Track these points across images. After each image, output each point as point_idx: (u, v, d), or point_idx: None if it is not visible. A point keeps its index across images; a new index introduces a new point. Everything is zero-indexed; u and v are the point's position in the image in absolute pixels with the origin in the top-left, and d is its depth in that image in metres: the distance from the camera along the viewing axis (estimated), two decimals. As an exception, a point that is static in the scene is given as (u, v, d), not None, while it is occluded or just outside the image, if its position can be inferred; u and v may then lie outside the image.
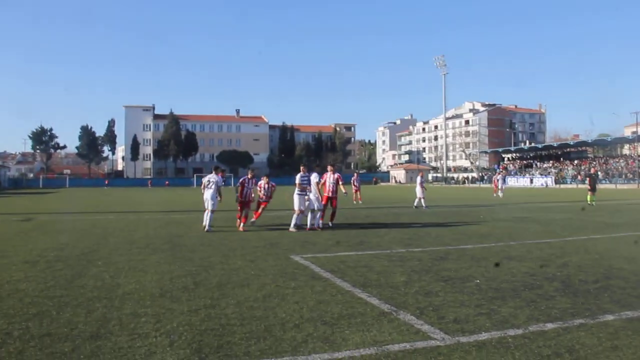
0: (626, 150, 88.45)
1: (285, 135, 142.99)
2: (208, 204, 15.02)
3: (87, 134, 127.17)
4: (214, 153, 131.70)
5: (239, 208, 15.60)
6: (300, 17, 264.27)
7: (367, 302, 6.42)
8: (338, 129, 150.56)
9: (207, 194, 15.12)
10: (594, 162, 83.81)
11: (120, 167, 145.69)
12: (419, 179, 26.61)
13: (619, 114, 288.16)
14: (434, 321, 5.56)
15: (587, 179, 30.93)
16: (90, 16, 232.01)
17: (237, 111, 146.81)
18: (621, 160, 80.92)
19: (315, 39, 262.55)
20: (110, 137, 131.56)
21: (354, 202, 30.26)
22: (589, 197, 27.77)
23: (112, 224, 17.76)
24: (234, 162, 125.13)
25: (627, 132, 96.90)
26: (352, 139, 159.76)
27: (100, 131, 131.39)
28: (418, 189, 26.11)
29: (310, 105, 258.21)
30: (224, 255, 10.36)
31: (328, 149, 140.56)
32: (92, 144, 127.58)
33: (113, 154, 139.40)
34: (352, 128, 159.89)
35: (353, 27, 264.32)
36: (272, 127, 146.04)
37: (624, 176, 73.31)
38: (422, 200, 25.70)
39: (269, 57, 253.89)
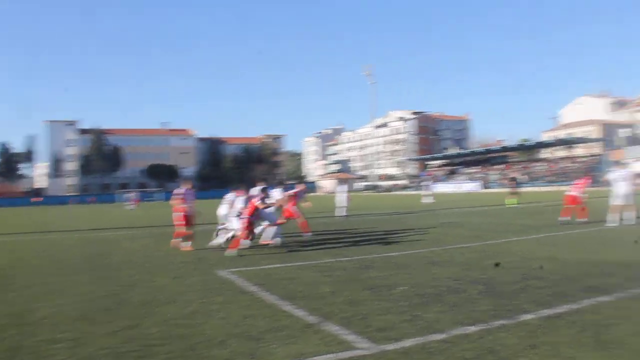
0: (546, 154, 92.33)
1: (213, 148, 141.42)
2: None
3: (3, 151, 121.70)
4: (142, 168, 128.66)
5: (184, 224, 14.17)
6: (225, 21, 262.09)
7: (293, 314, 6.41)
8: (267, 140, 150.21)
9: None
10: (517, 166, 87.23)
11: (42, 185, 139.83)
12: (339, 187, 26.99)
13: (537, 119, 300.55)
14: (359, 330, 5.61)
15: (509, 182, 32.12)
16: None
17: (165, 124, 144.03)
18: (542, 164, 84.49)
19: (240, 46, 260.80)
20: (29, 154, 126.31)
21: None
22: (509, 200, 28.80)
23: (27, 245, 17.00)
24: (162, 176, 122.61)
25: (544, 137, 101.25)
26: (281, 149, 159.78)
27: (20, 148, 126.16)
28: (340, 198, 26.14)
29: (239, 116, 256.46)
30: (149, 273, 10.11)
31: (257, 161, 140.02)
32: (9, 162, 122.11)
33: (32, 171, 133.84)
34: (281, 139, 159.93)
35: (279, 35, 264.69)
36: (200, 139, 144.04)
37: (545, 179, 76.55)
38: (344, 209, 25.73)
39: (196, 69, 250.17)
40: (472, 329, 5.55)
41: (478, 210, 28.41)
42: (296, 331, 5.66)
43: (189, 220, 14.14)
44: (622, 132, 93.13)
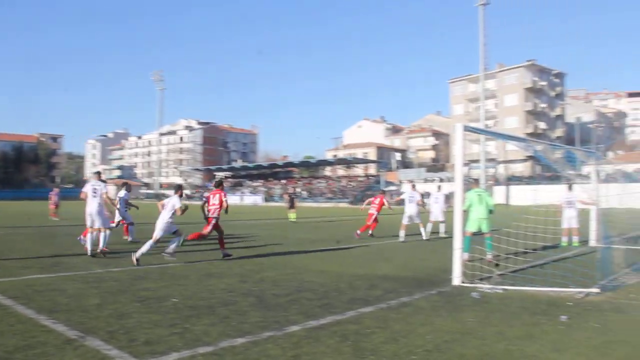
0: (328, 172, 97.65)
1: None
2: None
3: None
4: None
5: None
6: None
7: (51, 329, 5.89)
8: (43, 139, 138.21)
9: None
10: (300, 182, 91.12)
11: None
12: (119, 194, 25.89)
13: (322, 138, 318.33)
14: (123, 345, 5.34)
15: (287, 197, 33.16)
16: None
17: None
18: (323, 181, 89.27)
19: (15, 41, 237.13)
20: None
21: (51, 218, 28.43)
22: (290, 215, 29.88)
23: None
24: None
25: (328, 156, 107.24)
26: (59, 151, 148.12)
27: None
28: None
29: (8, 111, 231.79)
30: None
31: (30, 161, 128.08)
32: None
33: None
34: (59, 139, 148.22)
35: (61, 33, 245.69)
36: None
37: (325, 195, 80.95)
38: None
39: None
40: (240, 340, 5.59)
41: (259, 223, 29.05)
42: (53, 348, 5.21)
43: None
44: (396, 156, 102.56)
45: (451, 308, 7.34)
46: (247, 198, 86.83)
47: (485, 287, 8.70)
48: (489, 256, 11.65)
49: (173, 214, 11.53)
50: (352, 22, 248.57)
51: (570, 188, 16.13)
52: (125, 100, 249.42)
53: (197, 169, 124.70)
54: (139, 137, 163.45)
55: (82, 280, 9.27)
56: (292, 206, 30.37)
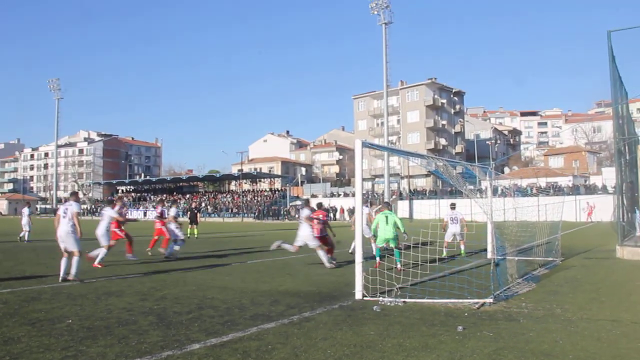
0: (233, 186, 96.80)
1: None
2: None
3: None
4: None
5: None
6: None
7: None
8: None
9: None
10: (205, 197, 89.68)
11: None
12: (25, 210, 25.10)
13: (228, 152, 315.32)
14: (9, 372, 5.02)
15: (188, 212, 32.44)
16: None
17: None
18: (228, 196, 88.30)
19: None
20: None
21: None
22: (189, 230, 29.01)
23: None
24: None
25: (234, 170, 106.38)
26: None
27: None
28: (23, 221, 24.90)
29: None
30: None
31: None
32: None
33: None
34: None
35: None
36: None
37: (230, 210, 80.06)
38: (26, 233, 24.46)
39: None
40: (138, 361, 5.41)
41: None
42: None
43: None
44: (301, 170, 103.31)
45: (352, 322, 7.44)
46: (150, 213, 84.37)
47: (386, 300, 8.90)
48: (398, 266, 12.71)
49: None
50: (259, 35, 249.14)
51: (453, 207, 17.92)
52: (18, 109, 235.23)
53: (97, 183, 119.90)
54: (35, 149, 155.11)
55: (-33, 302, 8.65)
56: (194, 221, 29.65)
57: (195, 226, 29.41)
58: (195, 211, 31.40)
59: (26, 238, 24.38)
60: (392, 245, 13.51)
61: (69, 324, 7.08)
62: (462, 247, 17.51)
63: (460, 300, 8.82)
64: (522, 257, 14.41)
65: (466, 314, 8.03)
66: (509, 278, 11.07)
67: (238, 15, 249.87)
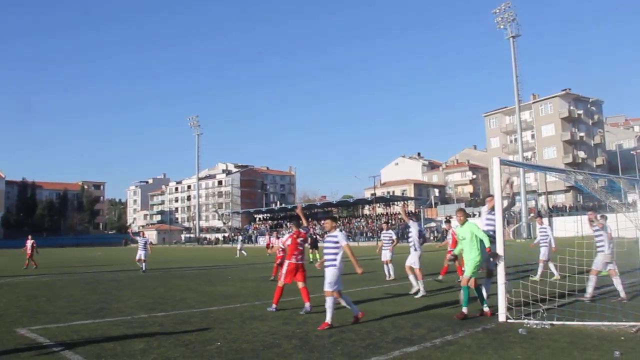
0: (366, 210, 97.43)
1: (25, 192, 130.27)
2: None
3: None
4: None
5: None
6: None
7: (98, 375, 5.94)
8: (86, 186, 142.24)
9: None
10: (339, 222, 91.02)
11: None
12: (140, 239, 24.64)
13: (360, 177, 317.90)
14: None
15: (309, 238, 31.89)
16: None
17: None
18: (362, 220, 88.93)
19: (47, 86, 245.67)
20: None
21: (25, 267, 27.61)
22: (311, 255, 29.04)
23: None
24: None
25: (367, 194, 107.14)
26: (102, 197, 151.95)
27: None
28: (140, 251, 23.89)
29: (55, 160, 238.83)
30: None
31: (74, 208, 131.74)
32: None
33: None
34: (102, 186, 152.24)
35: (101, 78, 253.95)
36: (9, 182, 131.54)
37: (365, 234, 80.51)
38: (144, 263, 23.68)
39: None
40: (286, 383, 5.54)
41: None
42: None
43: None
44: (434, 192, 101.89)
45: (497, 345, 7.15)
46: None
47: (532, 322, 8.47)
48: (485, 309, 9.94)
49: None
50: (386, 62, 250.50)
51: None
52: (163, 146, 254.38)
53: (236, 212, 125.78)
54: (179, 182, 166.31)
55: (126, 325, 9.37)
56: (314, 246, 29.92)
57: (316, 251, 29.70)
58: (315, 236, 31.66)
59: (143, 267, 23.63)
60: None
61: (218, 347, 7.42)
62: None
63: (615, 323, 8.18)
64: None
65: (622, 338, 7.43)
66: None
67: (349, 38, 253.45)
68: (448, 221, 18.50)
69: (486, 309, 9.47)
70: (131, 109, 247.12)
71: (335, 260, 9.02)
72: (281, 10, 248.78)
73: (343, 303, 9.16)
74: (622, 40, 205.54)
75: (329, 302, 8.79)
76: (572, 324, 8.34)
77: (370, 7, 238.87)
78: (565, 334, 7.76)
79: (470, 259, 9.47)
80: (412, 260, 13.51)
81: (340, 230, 9.38)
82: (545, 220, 16.05)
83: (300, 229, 11.10)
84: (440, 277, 15.36)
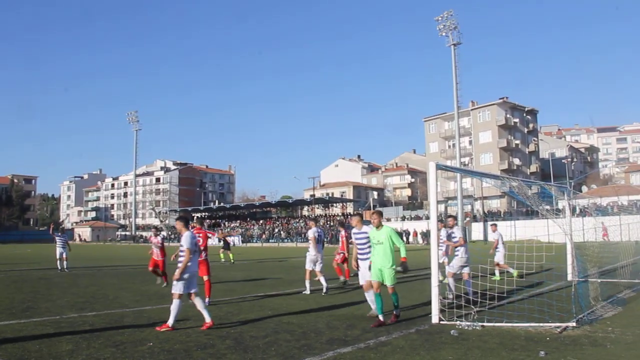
0: (305, 211, 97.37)
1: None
2: None
3: None
4: None
5: None
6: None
7: (21, 377, 5.70)
8: (16, 180, 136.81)
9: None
10: (277, 222, 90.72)
11: None
12: (59, 238, 22.77)
13: (300, 178, 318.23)
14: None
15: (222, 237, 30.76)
16: None
17: None
18: (301, 221, 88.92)
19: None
20: None
21: None
22: (225, 255, 28.65)
23: None
24: None
25: (306, 195, 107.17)
26: (33, 192, 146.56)
27: None
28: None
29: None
30: None
31: (2, 203, 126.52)
32: None
33: None
34: (33, 181, 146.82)
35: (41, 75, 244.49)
36: None
37: (302, 235, 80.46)
38: (65, 262, 22.30)
39: None
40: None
41: (235, 264, 28.61)
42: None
43: None
44: (373, 194, 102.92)
45: (429, 346, 7.28)
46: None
47: (464, 324, 8.66)
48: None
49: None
50: (328, 65, 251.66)
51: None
52: (100, 141, 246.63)
53: (174, 210, 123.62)
54: (115, 179, 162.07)
55: (55, 325, 9.03)
56: (226, 246, 29.53)
57: (228, 252, 29.01)
58: (227, 236, 31.66)
59: (65, 266, 22.26)
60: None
61: (150, 347, 7.25)
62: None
63: (541, 324, 8.48)
64: (605, 279, 13.73)
65: (548, 339, 7.70)
66: (592, 301, 10.56)
67: (296, 38, 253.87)
68: (342, 224, 19.07)
69: (381, 317, 9.05)
70: (67, 102, 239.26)
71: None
72: (214, 12, 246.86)
73: (198, 306, 8.89)
74: (556, 50, 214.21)
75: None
76: (502, 325, 8.58)
77: (310, 10, 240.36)
78: (495, 335, 7.97)
79: (388, 268, 8.96)
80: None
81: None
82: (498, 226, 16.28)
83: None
84: (342, 278, 16.02)
